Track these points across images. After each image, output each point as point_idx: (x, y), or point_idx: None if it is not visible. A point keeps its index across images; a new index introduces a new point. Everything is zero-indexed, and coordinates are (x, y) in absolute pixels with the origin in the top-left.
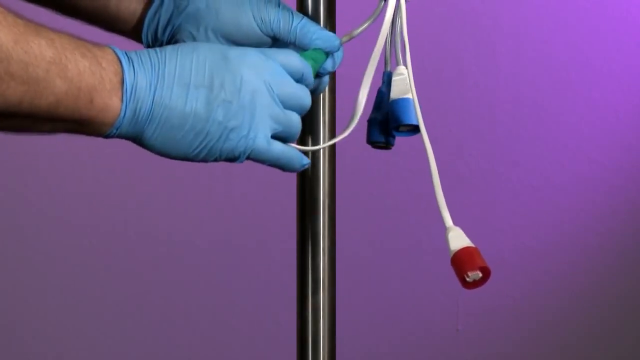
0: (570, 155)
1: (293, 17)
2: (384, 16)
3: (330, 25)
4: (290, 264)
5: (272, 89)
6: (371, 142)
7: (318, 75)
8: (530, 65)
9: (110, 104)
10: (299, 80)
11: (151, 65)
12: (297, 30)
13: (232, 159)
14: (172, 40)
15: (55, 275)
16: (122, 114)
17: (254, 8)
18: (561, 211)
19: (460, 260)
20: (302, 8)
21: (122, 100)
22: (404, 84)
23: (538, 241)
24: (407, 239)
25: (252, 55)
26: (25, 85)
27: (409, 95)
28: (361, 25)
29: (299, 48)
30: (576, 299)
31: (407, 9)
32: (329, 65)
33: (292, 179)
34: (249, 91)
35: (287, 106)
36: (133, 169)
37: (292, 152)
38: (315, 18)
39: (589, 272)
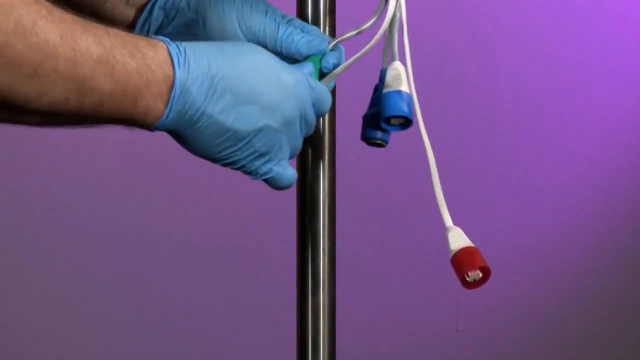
0: (570, 155)
1: (279, 27)
2: (382, 13)
3: (330, 25)
4: (290, 264)
5: (304, 121)
6: (365, 138)
7: (323, 74)
8: (530, 65)
9: (154, 107)
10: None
11: (208, 67)
12: (283, 41)
13: (249, 173)
14: None
15: (55, 275)
16: (165, 117)
17: (239, 17)
18: (561, 211)
19: (460, 261)
20: (301, 8)
21: (166, 105)
22: (396, 78)
23: (538, 241)
24: (407, 239)
25: (301, 85)
26: (72, 83)
27: (401, 88)
28: (366, 22)
29: (289, 57)
30: (576, 299)
31: (406, 7)
32: (328, 64)
33: None
34: (288, 120)
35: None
36: (133, 169)
37: (294, 174)
38: (315, 18)
39: (589, 272)
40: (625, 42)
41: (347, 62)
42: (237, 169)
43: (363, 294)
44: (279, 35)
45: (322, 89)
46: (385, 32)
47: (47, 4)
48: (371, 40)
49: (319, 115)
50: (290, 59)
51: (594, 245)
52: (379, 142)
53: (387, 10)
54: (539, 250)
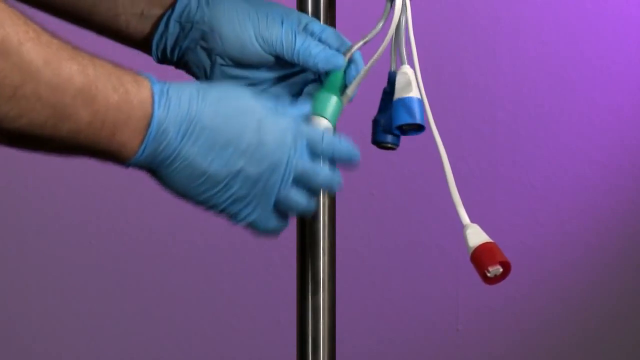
0: (570, 155)
1: (296, 38)
2: (389, 16)
3: (330, 20)
4: (290, 264)
5: (289, 168)
6: (376, 142)
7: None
8: (530, 65)
9: (130, 143)
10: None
11: (188, 109)
12: (300, 53)
13: (230, 218)
14: (182, 60)
15: (55, 275)
16: (140, 154)
17: (255, 28)
18: (561, 211)
19: (480, 256)
20: (301, 8)
21: (142, 143)
22: (406, 83)
23: (538, 241)
24: (407, 238)
25: (287, 132)
26: (51, 108)
27: (412, 94)
28: (374, 28)
29: (306, 68)
30: (576, 298)
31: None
32: (351, 77)
33: None
34: (269, 167)
35: (297, 184)
36: (133, 168)
37: (281, 227)
38: (315, 14)
39: (589, 272)
40: (625, 42)
41: (361, 73)
42: (220, 213)
43: (363, 294)
44: (296, 48)
45: (314, 132)
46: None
47: (37, 27)
48: (379, 43)
49: (326, 155)
50: (310, 71)
51: (594, 245)
52: (389, 145)
53: (392, 15)
54: (539, 250)
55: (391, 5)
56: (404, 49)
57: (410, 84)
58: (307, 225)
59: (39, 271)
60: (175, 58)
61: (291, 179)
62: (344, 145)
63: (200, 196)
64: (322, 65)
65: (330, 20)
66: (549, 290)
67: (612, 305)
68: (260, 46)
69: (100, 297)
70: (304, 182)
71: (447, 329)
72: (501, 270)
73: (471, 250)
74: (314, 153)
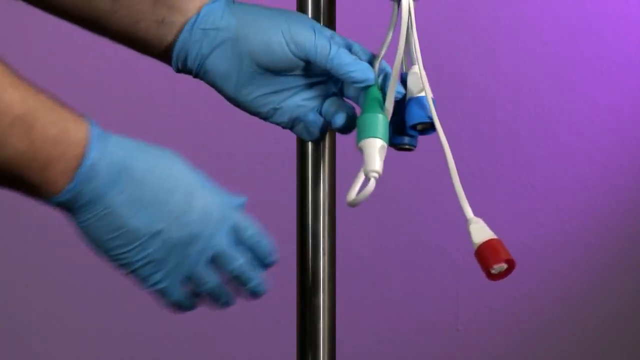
0: (571, 155)
1: (331, 45)
2: (394, 19)
3: (331, 25)
4: (290, 264)
5: (209, 244)
6: (393, 144)
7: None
8: (530, 65)
9: (60, 179)
10: (241, 244)
11: (123, 158)
12: (334, 60)
13: (140, 281)
14: (203, 68)
15: (55, 275)
16: (65, 192)
17: (286, 32)
18: (561, 211)
19: (485, 254)
20: (301, 8)
21: (70, 182)
22: (418, 83)
23: (538, 241)
24: (407, 238)
25: (214, 209)
26: None
27: (424, 93)
28: (385, 40)
29: (335, 77)
30: (576, 298)
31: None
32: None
33: (292, 179)
34: (188, 234)
35: (212, 264)
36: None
37: (186, 303)
38: (315, 18)
39: (589, 272)
40: (625, 42)
41: (392, 85)
42: (130, 274)
43: (363, 294)
44: (330, 55)
45: (244, 221)
46: (403, 37)
47: None
48: (396, 52)
49: (247, 245)
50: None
51: (594, 245)
52: (407, 147)
53: (400, 17)
54: (539, 250)
55: (398, 5)
56: (413, 50)
57: (422, 83)
58: (307, 226)
59: (39, 271)
60: (196, 66)
61: (208, 255)
62: (266, 244)
63: (113, 251)
64: (357, 75)
65: (330, 21)
66: (549, 290)
67: (612, 305)
68: (292, 51)
69: (100, 297)
70: (219, 264)
71: (447, 329)
72: (505, 267)
73: (476, 247)
74: (237, 240)
